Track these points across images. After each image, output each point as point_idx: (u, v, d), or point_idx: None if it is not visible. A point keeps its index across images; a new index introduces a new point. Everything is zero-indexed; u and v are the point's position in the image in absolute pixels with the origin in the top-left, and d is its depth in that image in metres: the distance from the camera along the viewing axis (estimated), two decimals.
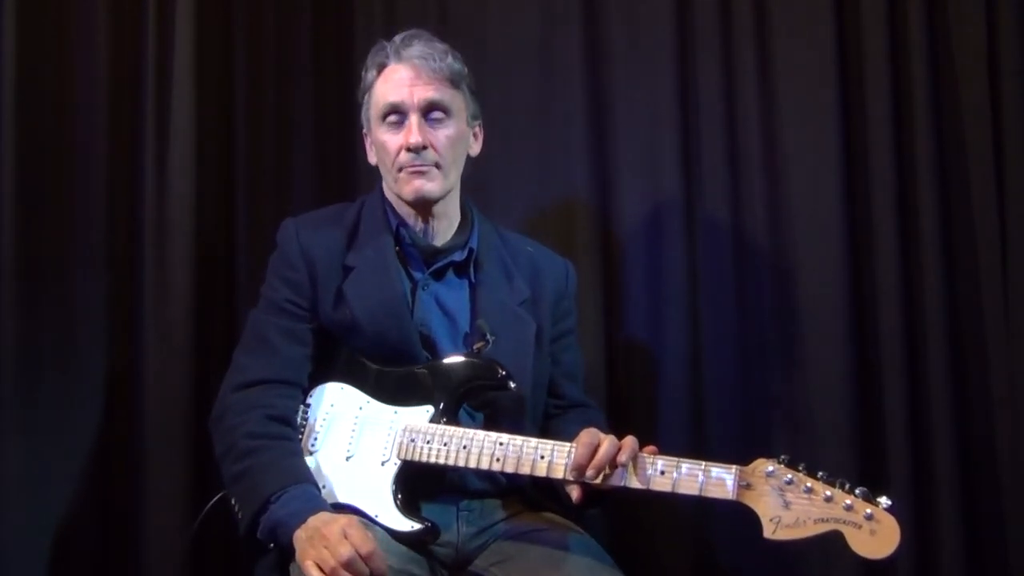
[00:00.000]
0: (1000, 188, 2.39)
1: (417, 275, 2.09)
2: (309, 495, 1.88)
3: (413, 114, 2.05)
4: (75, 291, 2.41)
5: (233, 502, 1.94)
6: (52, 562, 2.32)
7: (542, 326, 2.14)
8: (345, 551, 1.73)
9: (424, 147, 2.04)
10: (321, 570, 1.74)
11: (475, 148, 2.18)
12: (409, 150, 2.04)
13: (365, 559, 1.74)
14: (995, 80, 2.40)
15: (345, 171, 2.76)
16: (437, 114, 2.07)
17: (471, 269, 2.13)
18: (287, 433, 1.97)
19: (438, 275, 2.11)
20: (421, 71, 2.05)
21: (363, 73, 2.14)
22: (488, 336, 2.02)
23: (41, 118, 2.37)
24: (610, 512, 2.41)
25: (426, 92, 2.05)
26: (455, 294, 2.11)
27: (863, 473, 2.41)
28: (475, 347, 2.03)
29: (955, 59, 2.44)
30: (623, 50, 2.67)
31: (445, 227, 2.14)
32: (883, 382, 2.43)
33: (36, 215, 2.35)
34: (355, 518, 1.83)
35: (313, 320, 2.05)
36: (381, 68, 2.11)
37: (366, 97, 2.14)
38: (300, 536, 1.80)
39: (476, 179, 2.23)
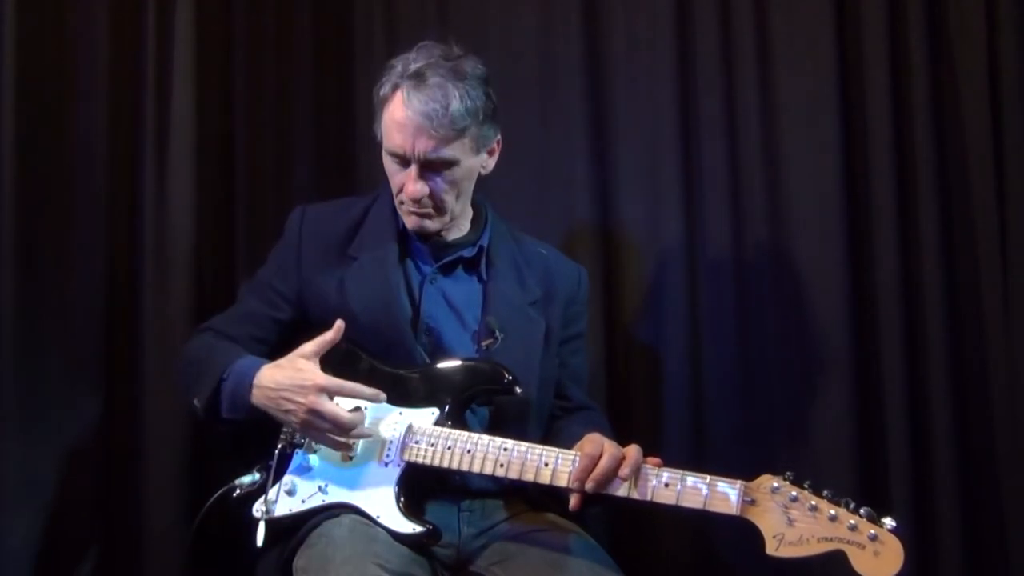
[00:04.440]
0: (1000, 188, 2.40)
1: (425, 269, 2.11)
2: (251, 362, 1.98)
3: (414, 164, 2.02)
4: (75, 290, 2.40)
5: (195, 402, 2.01)
6: (52, 561, 2.31)
7: (551, 327, 2.14)
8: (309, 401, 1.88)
9: (422, 197, 2.03)
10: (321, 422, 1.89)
11: (489, 166, 2.15)
12: (408, 197, 2.03)
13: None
14: (995, 80, 2.40)
15: (345, 170, 2.76)
16: (439, 165, 2.03)
17: (482, 266, 2.14)
18: (231, 343, 2.08)
19: (447, 270, 2.12)
20: (422, 125, 1.98)
21: (376, 88, 2.08)
22: (497, 333, 2.04)
23: (41, 117, 2.36)
24: (611, 513, 2.41)
25: (425, 147, 1.99)
26: (463, 290, 2.12)
27: (862, 470, 2.42)
28: (484, 344, 2.04)
29: (955, 59, 2.45)
30: (623, 51, 2.67)
31: (455, 229, 2.15)
32: (883, 381, 2.44)
33: (36, 215, 2.34)
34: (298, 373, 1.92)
35: (291, 311, 2.10)
36: (394, 89, 2.03)
37: (378, 114, 2.08)
38: (259, 400, 1.93)
39: (477, 180, 2.23)
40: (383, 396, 1.93)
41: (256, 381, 1.94)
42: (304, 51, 2.77)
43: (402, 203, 2.07)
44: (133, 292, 2.48)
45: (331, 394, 1.90)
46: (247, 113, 2.68)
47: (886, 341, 2.43)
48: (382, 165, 2.19)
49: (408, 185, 2.02)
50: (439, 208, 2.06)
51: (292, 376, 1.91)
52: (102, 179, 2.46)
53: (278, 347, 2.05)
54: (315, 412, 1.88)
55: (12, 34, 2.30)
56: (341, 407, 1.91)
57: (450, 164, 2.03)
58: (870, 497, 2.31)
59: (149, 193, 2.49)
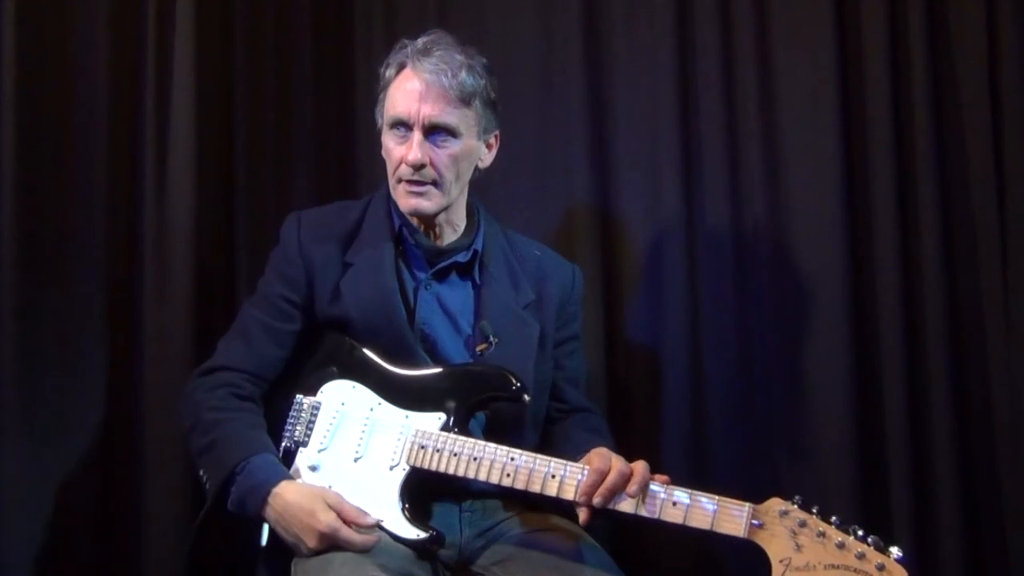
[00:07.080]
0: (1000, 188, 2.39)
1: (420, 275, 2.10)
2: (269, 464, 1.92)
3: (416, 131, 2.02)
4: (75, 291, 2.40)
5: (201, 474, 1.97)
6: (52, 562, 2.31)
7: (545, 330, 2.14)
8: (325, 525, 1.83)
9: (423, 165, 2.03)
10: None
11: (486, 159, 2.16)
12: (408, 164, 2.03)
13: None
14: (995, 79, 2.40)
15: (345, 171, 2.77)
16: (441, 134, 2.04)
17: (475, 271, 2.13)
18: (249, 407, 2.01)
19: (441, 275, 2.11)
20: (431, 88, 2.01)
21: (382, 69, 2.11)
22: (491, 338, 2.03)
23: (41, 118, 2.36)
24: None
25: (431, 111, 2.02)
26: (458, 295, 2.11)
27: (863, 471, 2.42)
28: (478, 349, 2.04)
29: (955, 59, 2.45)
30: (623, 50, 2.67)
31: (449, 231, 2.14)
32: (883, 381, 2.44)
33: (36, 215, 2.34)
34: (317, 496, 1.87)
35: (303, 319, 2.07)
36: (400, 69, 2.07)
37: (382, 96, 2.11)
38: (270, 515, 1.87)
39: (477, 181, 2.22)
40: (371, 544, 1.86)
41: (271, 500, 1.88)
42: (304, 51, 2.77)
43: (399, 180, 2.06)
44: (133, 292, 2.48)
45: (338, 542, 1.84)
46: (247, 113, 2.67)
47: (886, 343, 2.43)
48: (382, 165, 2.20)
49: (408, 152, 2.02)
50: (437, 183, 2.05)
51: (303, 521, 1.85)
52: (102, 179, 2.45)
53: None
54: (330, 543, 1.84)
55: (12, 36, 2.30)
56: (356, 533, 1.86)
57: (453, 134, 2.04)
58: (870, 506, 2.32)
59: (149, 193, 2.48)
